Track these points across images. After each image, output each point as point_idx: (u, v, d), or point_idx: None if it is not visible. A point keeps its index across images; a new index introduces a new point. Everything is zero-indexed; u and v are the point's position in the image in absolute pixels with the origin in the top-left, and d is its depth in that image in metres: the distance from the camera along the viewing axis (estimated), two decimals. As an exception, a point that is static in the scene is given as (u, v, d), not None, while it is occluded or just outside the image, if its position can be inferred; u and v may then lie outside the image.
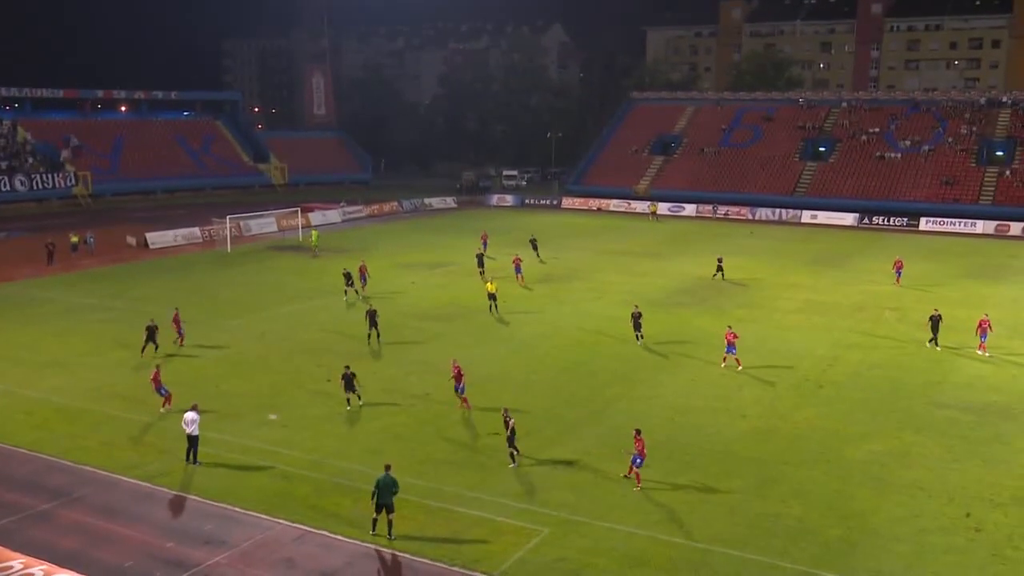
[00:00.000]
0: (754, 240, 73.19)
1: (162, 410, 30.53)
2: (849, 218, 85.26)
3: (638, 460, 24.63)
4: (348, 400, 31.09)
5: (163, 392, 30.69)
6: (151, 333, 37.05)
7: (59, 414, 30.64)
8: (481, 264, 55.17)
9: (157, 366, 31.84)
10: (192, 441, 26.10)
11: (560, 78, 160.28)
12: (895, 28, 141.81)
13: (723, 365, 36.17)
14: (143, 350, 36.94)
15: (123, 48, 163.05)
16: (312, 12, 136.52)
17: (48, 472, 25.90)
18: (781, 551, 21.29)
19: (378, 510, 21.90)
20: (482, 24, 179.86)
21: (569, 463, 26.47)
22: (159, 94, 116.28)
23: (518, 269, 53.19)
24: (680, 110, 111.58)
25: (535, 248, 60.79)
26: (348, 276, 49.08)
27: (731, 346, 36.01)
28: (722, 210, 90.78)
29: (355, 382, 30.93)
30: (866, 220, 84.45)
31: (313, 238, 66.70)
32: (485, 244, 62.19)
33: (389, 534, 21.83)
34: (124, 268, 59.44)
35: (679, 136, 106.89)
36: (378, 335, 39.65)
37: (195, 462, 26.06)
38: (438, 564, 20.76)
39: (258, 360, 37.25)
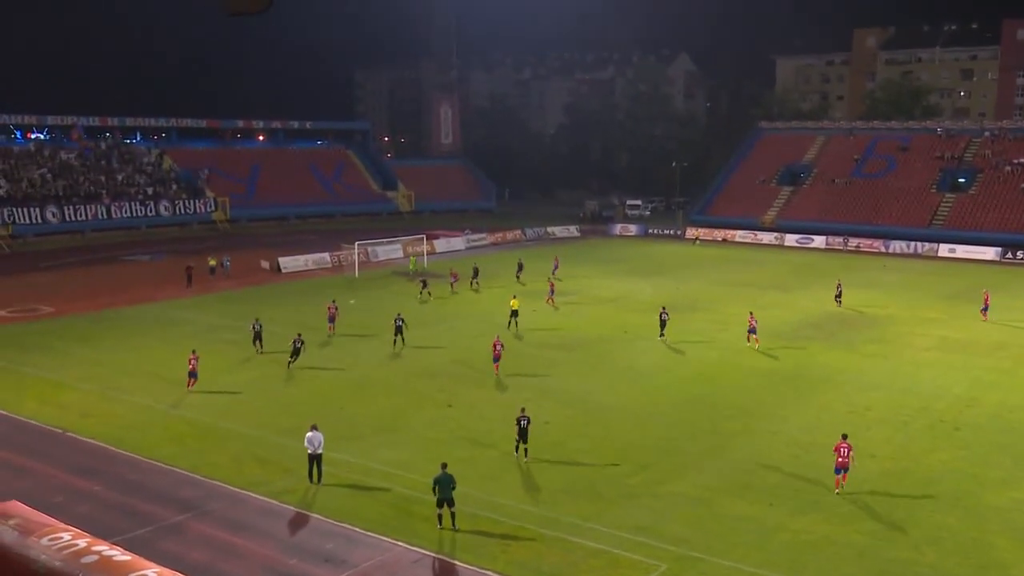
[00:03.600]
0: (887, 274, 70.71)
1: (189, 388, 35.99)
2: (990, 252, 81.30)
3: (841, 472, 26.05)
4: (290, 364, 39.60)
5: (194, 375, 36.04)
6: (257, 334, 42.96)
7: (192, 429, 31.93)
8: (476, 275, 62.09)
9: (193, 351, 36.94)
10: (316, 460, 26.73)
11: (686, 107, 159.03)
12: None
13: (757, 344, 43.68)
14: (256, 346, 42.74)
15: (263, 80, 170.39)
16: (441, 43, 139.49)
17: (181, 485, 26.95)
18: (912, 600, 20.30)
19: (439, 505, 23.43)
20: (608, 54, 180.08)
21: (688, 497, 25.97)
22: (294, 124, 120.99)
23: (552, 291, 56.40)
24: (810, 140, 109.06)
25: (520, 270, 65.64)
26: (424, 282, 58.95)
27: (752, 329, 44.05)
28: (853, 242, 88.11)
29: (301, 351, 39.49)
30: (1009, 255, 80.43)
31: (411, 264, 70.45)
32: (556, 267, 66.84)
33: (453, 525, 23.47)
34: (257, 291, 61.71)
35: (808, 166, 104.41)
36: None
37: (319, 481, 26.68)
38: (553, 594, 20.62)
39: (380, 382, 38.00)
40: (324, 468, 26.85)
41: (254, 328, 43.35)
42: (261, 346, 42.85)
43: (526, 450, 28.64)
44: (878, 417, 33.45)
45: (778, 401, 35.70)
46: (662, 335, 45.67)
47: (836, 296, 55.60)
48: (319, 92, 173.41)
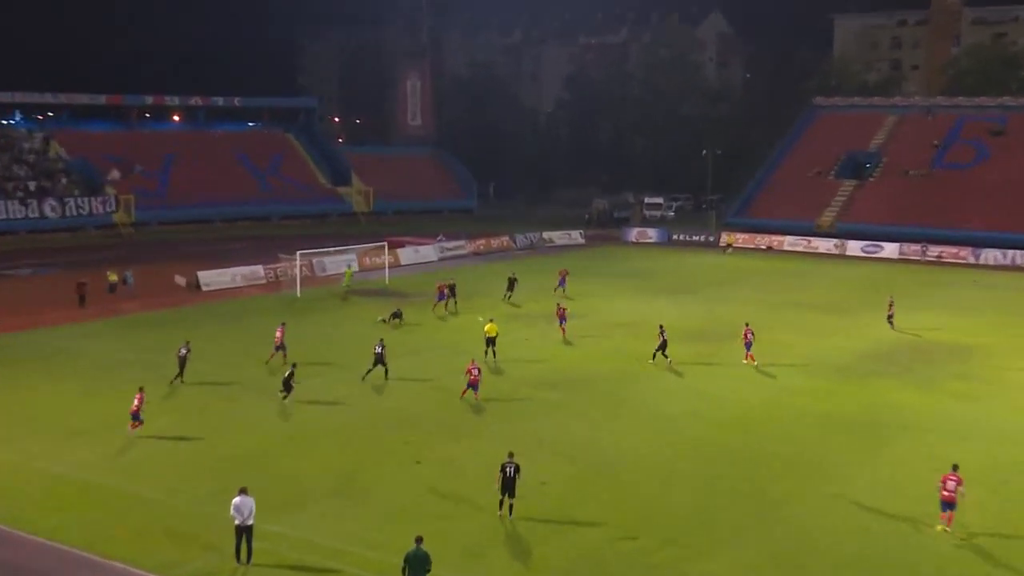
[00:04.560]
0: (977, 291, 70.99)
1: (130, 431, 36.56)
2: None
3: (948, 507, 28.14)
4: (284, 397, 40.83)
5: (137, 418, 36.61)
6: (182, 360, 43.87)
7: (84, 495, 31.49)
8: (453, 293, 62.70)
9: (141, 389, 37.19)
10: (245, 533, 26.33)
11: (720, 79, 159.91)
12: None
13: (753, 362, 47.80)
14: (174, 379, 43.75)
15: (179, 45, 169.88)
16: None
17: (69, 568, 26.52)
18: None
19: None
20: (622, 12, 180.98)
21: (726, 580, 25.80)
22: (219, 100, 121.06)
23: (562, 319, 54.64)
24: (878, 120, 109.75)
25: (511, 287, 66.08)
26: (396, 313, 58.21)
27: (749, 345, 47.96)
28: (933, 251, 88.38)
29: (292, 381, 40.71)
30: None
31: (346, 278, 70.61)
32: (563, 282, 67.43)
33: None
34: (170, 314, 61.35)
35: (876, 154, 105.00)
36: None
37: (248, 561, 26.31)
38: None
39: (331, 431, 37.73)
40: (255, 544, 26.50)
41: (180, 354, 43.96)
42: (182, 376, 43.66)
43: (511, 506, 28.86)
44: (969, 476, 33.17)
45: (839, 455, 35.57)
46: (663, 356, 47.85)
47: (888, 316, 56.28)
48: (251, 60, 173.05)
